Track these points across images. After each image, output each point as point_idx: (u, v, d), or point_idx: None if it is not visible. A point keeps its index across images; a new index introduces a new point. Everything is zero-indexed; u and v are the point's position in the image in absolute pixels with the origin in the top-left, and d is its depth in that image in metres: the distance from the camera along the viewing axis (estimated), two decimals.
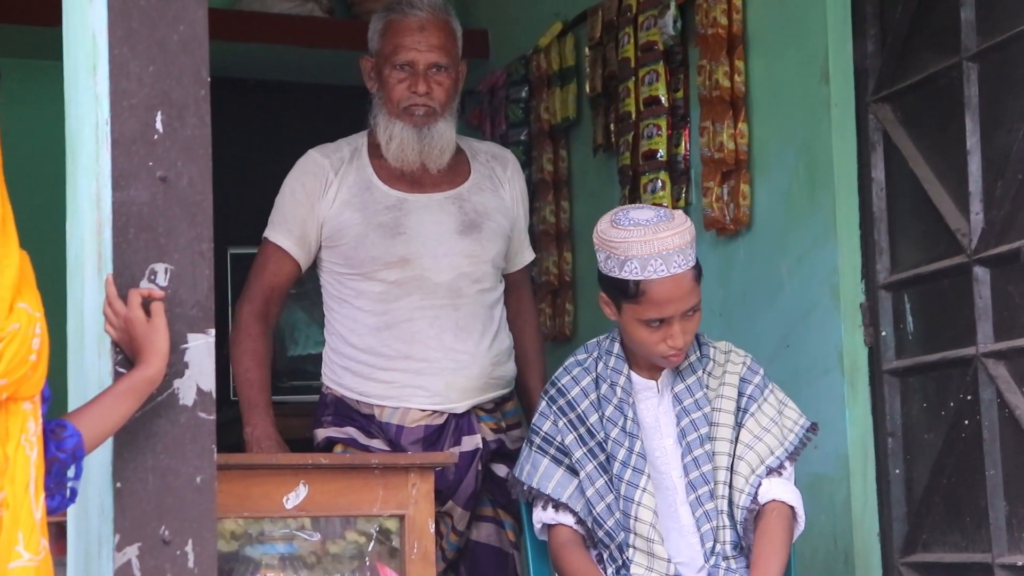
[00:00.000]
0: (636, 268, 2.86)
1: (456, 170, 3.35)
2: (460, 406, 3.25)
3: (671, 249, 2.86)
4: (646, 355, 2.96)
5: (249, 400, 3.26)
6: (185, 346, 2.21)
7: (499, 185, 3.41)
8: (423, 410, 3.23)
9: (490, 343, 3.29)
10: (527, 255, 3.51)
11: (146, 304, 2.18)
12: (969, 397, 3.32)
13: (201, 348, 2.22)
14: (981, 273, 3.31)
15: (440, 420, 3.24)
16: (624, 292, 2.89)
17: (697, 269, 2.92)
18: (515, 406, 3.39)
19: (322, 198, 3.28)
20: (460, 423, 3.25)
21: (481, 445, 3.25)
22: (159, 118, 2.21)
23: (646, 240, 2.86)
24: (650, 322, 2.89)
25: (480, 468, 3.26)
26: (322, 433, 3.30)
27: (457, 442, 3.24)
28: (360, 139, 3.37)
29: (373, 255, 3.24)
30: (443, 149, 3.28)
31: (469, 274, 3.28)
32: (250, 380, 3.26)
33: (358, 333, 3.27)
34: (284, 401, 5.06)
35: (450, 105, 3.31)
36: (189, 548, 2.18)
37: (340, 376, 3.29)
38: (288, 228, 3.30)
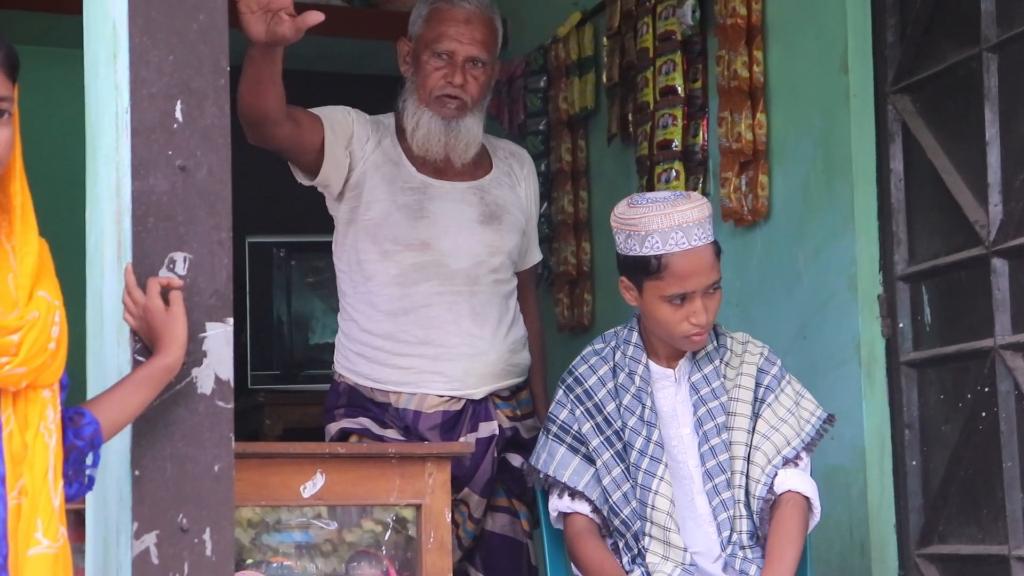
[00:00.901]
0: (657, 242, 2.88)
1: (478, 163, 3.37)
2: (478, 392, 3.26)
3: (690, 222, 2.88)
4: (669, 337, 2.96)
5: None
6: (203, 335, 2.22)
7: (516, 182, 3.43)
8: (441, 396, 3.24)
9: (507, 330, 3.30)
10: (535, 255, 3.53)
11: (165, 293, 2.18)
12: (987, 389, 3.31)
13: (219, 337, 2.22)
14: (999, 265, 3.30)
15: (458, 406, 3.25)
16: (646, 269, 2.90)
17: (716, 246, 2.94)
18: (528, 396, 3.40)
19: (363, 142, 3.25)
20: (477, 409, 3.26)
21: (497, 432, 3.26)
22: (179, 107, 2.22)
23: (666, 213, 2.89)
24: (672, 298, 2.90)
25: (496, 455, 3.27)
26: (335, 426, 3.30)
27: (474, 428, 3.25)
28: (388, 119, 3.37)
29: (395, 234, 3.25)
30: (469, 144, 3.29)
31: (487, 263, 3.29)
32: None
33: (374, 319, 3.27)
34: (303, 390, 5.09)
35: (481, 101, 3.31)
36: (207, 536, 2.19)
37: (355, 363, 3.30)
38: (323, 114, 3.21)
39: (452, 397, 3.25)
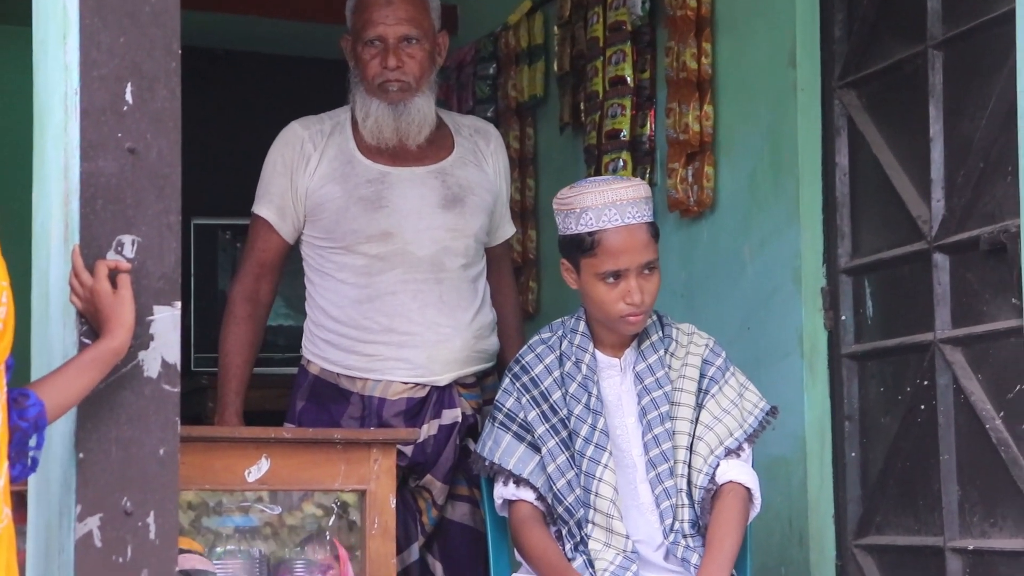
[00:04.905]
0: (591, 219, 2.93)
1: (440, 144, 3.36)
2: (442, 379, 3.27)
3: (625, 200, 2.93)
4: (606, 318, 2.98)
5: (221, 389, 3.31)
6: (151, 318, 2.21)
7: (483, 159, 3.41)
8: (405, 383, 3.25)
9: (472, 316, 3.31)
10: (508, 229, 3.53)
11: (112, 276, 2.18)
12: (925, 382, 3.36)
13: (167, 320, 2.22)
14: (940, 260, 3.34)
15: (422, 393, 3.26)
16: (580, 246, 2.94)
17: (653, 227, 2.97)
18: (495, 381, 3.40)
19: (303, 170, 3.29)
20: (442, 396, 3.28)
21: (460, 419, 3.28)
22: (129, 89, 2.21)
23: (600, 191, 2.95)
24: (606, 276, 2.93)
25: (458, 442, 3.28)
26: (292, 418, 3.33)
27: (437, 415, 3.27)
28: (343, 113, 3.37)
29: (354, 228, 3.25)
30: (421, 124, 3.29)
31: (451, 248, 3.29)
32: (226, 366, 3.30)
33: (339, 306, 3.28)
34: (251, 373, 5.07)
35: (426, 78, 3.30)
36: (151, 519, 2.19)
37: (322, 349, 3.31)
38: (270, 199, 3.31)
39: (416, 384, 3.26)
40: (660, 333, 3.06)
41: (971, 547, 3.19)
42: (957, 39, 3.33)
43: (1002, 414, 3.13)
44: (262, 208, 3.33)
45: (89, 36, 2.20)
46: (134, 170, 2.21)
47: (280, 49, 5.72)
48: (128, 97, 2.21)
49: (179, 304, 2.24)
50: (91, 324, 2.19)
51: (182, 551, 2.50)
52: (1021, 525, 3.04)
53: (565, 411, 3.00)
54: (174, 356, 2.23)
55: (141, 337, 2.20)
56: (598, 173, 4.38)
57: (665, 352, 3.04)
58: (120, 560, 2.16)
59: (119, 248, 2.20)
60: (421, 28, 3.28)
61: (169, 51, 2.23)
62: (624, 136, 4.30)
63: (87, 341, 2.19)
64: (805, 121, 3.73)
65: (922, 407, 3.37)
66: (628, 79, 4.30)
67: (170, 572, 2.19)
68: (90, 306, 2.18)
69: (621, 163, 4.30)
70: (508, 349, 3.41)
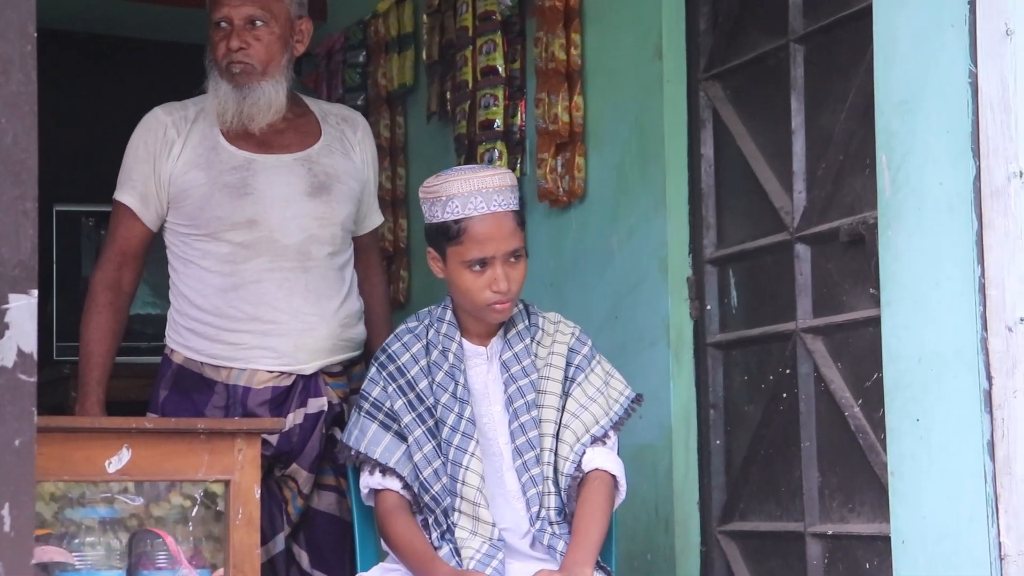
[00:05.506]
0: (457, 207, 2.93)
1: (306, 131, 3.34)
2: (308, 367, 3.25)
3: (491, 188, 2.94)
4: (473, 306, 2.99)
5: (83, 378, 3.26)
6: (6, 307, 2.17)
7: (350, 148, 3.40)
8: (270, 371, 3.23)
9: (339, 305, 3.30)
10: (376, 218, 3.52)
11: None
12: (788, 371, 3.42)
13: (23, 309, 2.17)
14: (802, 251, 3.40)
15: (288, 382, 3.24)
16: (446, 234, 2.94)
17: (520, 215, 2.99)
18: (362, 370, 3.40)
19: (166, 156, 3.25)
20: (308, 385, 3.26)
21: (326, 408, 3.26)
22: None
23: (466, 179, 2.95)
24: (472, 264, 2.94)
25: (324, 431, 3.27)
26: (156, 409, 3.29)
27: (303, 404, 3.25)
28: (208, 99, 3.33)
29: (219, 215, 3.22)
30: (267, 110, 3.25)
31: (318, 236, 3.27)
32: (88, 354, 3.25)
33: (204, 294, 3.25)
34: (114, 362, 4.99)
35: (276, 63, 3.26)
36: (5, 512, 2.14)
37: (186, 338, 3.27)
38: (132, 186, 3.27)
39: (282, 372, 3.24)
40: (526, 322, 3.07)
41: (830, 532, 3.26)
42: (818, 33, 3.39)
43: (860, 402, 3.20)
44: (124, 195, 3.28)
45: None
46: None
47: (145, 34, 5.64)
48: None
49: (36, 292, 2.19)
50: None
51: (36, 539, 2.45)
52: (878, 510, 3.11)
53: (431, 400, 3.00)
54: (30, 345, 2.18)
55: None
56: (472, 162, 4.39)
57: (531, 341, 3.06)
58: None
59: None
60: (269, 11, 3.26)
61: (24, 34, 2.18)
62: (498, 126, 4.31)
63: None
64: (671, 113, 3.78)
65: (784, 395, 3.43)
66: (500, 69, 4.31)
67: (26, 565, 2.14)
68: None
69: (496, 153, 4.31)
70: (376, 338, 3.40)
